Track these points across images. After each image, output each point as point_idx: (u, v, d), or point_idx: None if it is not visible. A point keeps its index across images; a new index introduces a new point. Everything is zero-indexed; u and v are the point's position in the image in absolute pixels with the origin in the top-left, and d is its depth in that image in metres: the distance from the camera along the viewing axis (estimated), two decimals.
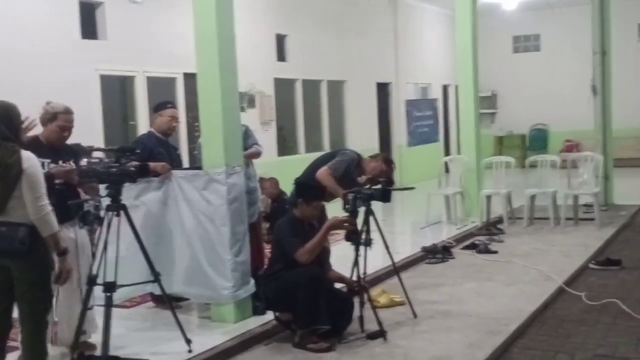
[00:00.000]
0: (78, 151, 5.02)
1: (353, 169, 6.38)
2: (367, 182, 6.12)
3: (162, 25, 9.85)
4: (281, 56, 12.72)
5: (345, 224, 5.50)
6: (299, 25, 12.97)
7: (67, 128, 4.94)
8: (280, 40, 12.68)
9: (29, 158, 4.04)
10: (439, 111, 18.33)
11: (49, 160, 4.85)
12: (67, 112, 4.92)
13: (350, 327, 5.45)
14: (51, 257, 4.17)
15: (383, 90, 15.88)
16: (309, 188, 5.63)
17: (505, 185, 10.34)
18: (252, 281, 5.95)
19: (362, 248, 5.86)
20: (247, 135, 6.48)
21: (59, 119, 4.90)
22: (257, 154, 6.59)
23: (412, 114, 16.77)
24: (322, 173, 6.18)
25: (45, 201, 4.02)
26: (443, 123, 18.61)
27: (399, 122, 16.29)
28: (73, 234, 4.93)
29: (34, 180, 4.00)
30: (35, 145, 4.74)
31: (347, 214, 5.61)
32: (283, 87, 12.80)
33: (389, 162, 6.63)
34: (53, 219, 4.05)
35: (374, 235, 6.15)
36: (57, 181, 4.67)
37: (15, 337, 5.30)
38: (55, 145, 4.92)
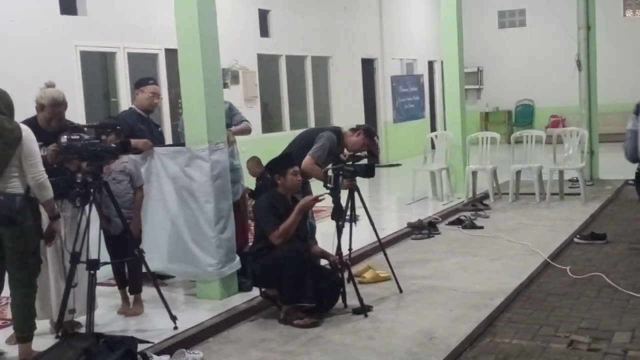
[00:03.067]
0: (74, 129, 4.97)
1: (335, 148, 6.25)
2: (350, 159, 6.01)
3: (143, 0, 9.70)
4: (264, 32, 12.59)
5: (318, 201, 5.45)
6: (281, 0, 12.82)
7: (53, 119, 4.91)
8: (263, 15, 12.54)
9: (26, 129, 4.40)
10: (425, 87, 18.28)
11: (40, 143, 4.80)
12: (54, 104, 4.88)
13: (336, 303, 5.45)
14: (39, 223, 4.47)
15: (368, 66, 15.79)
16: (276, 161, 5.57)
17: (490, 161, 10.33)
18: (237, 258, 5.93)
19: (347, 224, 5.86)
20: (233, 112, 6.41)
21: (46, 111, 4.89)
22: (248, 130, 6.53)
23: (398, 90, 16.71)
24: (307, 164, 5.93)
25: (42, 168, 4.34)
26: (429, 99, 18.57)
27: (384, 99, 16.23)
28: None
29: (32, 147, 4.33)
30: (30, 128, 4.78)
31: (328, 192, 5.56)
32: (267, 63, 12.69)
33: (370, 135, 6.31)
34: (49, 185, 4.36)
35: (360, 211, 6.15)
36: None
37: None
38: (48, 130, 4.90)
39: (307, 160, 5.95)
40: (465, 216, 8.86)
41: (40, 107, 4.89)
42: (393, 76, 16.59)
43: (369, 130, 6.40)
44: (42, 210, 4.50)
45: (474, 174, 10.35)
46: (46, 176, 4.34)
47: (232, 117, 6.37)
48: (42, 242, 4.68)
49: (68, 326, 4.90)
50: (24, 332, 4.50)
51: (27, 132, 4.34)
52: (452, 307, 5.40)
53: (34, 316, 4.55)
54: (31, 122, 4.91)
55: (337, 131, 6.36)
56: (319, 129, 6.76)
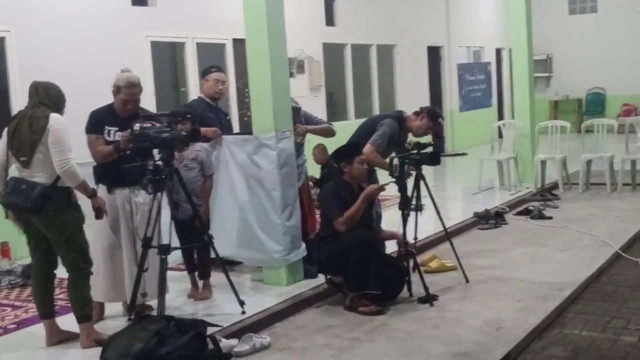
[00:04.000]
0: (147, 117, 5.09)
1: (396, 135, 6.15)
2: (415, 147, 5.95)
3: None
4: (330, 21, 12.61)
5: (383, 190, 5.46)
6: None
7: (129, 101, 5.02)
8: (329, 4, 12.55)
9: (57, 118, 4.47)
10: (492, 75, 18.00)
11: (116, 129, 4.96)
12: (129, 86, 4.99)
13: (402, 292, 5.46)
14: (72, 214, 4.55)
15: (434, 54, 15.63)
16: (342, 150, 5.60)
17: (560, 150, 10.12)
18: (303, 245, 5.99)
19: (413, 213, 5.84)
20: (306, 116, 6.42)
21: (121, 92, 5.00)
22: (331, 132, 6.48)
23: (465, 78, 16.50)
24: (367, 152, 5.85)
25: (69, 156, 4.40)
26: (496, 87, 18.27)
27: (450, 87, 16.05)
28: (127, 198, 5.03)
29: (59, 136, 4.41)
30: (107, 113, 4.93)
31: (393, 180, 5.55)
32: (332, 52, 12.71)
33: (434, 117, 6.16)
34: (77, 170, 4.43)
35: (425, 200, 6.12)
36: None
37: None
38: (124, 114, 5.01)
39: (367, 148, 5.88)
40: (533, 206, 8.70)
41: (116, 89, 5.02)
42: (459, 64, 16.38)
43: (433, 112, 6.25)
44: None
45: (543, 163, 10.16)
46: (72, 163, 4.40)
47: (310, 118, 6.43)
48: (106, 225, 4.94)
49: (140, 309, 5.06)
50: (80, 312, 4.66)
51: (56, 121, 4.44)
52: (520, 297, 5.33)
53: (85, 297, 4.69)
54: (107, 109, 5.09)
55: (399, 117, 6.26)
56: (381, 115, 6.68)
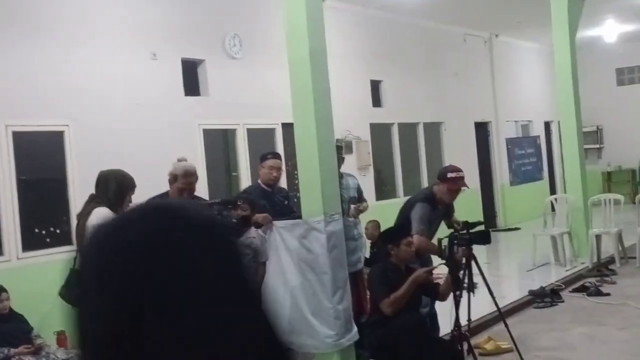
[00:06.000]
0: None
1: (432, 213, 6.06)
2: (464, 227, 5.90)
3: (260, 78, 10.16)
4: (376, 101, 12.81)
5: (431, 274, 5.44)
6: (393, 70, 13.05)
7: (185, 190, 5.15)
8: (375, 85, 12.79)
9: (98, 214, 4.48)
10: (542, 148, 17.91)
11: None
12: (186, 175, 5.14)
13: None
14: None
15: (482, 129, 15.69)
16: (389, 232, 5.62)
17: (615, 223, 9.93)
18: (355, 329, 5.94)
19: (465, 294, 5.77)
20: (360, 190, 6.79)
21: (178, 181, 5.14)
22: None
23: (514, 152, 16.46)
24: (418, 243, 5.75)
25: None
26: (547, 160, 18.15)
27: (500, 161, 16.02)
28: None
29: None
30: None
31: (443, 262, 5.52)
32: (379, 131, 12.86)
33: (442, 176, 6.08)
34: None
35: (477, 278, 6.04)
36: None
37: None
38: None
39: (415, 239, 5.76)
40: (590, 282, 8.51)
41: (173, 178, 5.16)
42: (508, 138, 16.37)
43: (439, 174, 6.25)
44: None
45: (598, 237, 9.97)
46: None
47: (359, 195, 6.73)
48: None
49: None
50: None
51: (96, 217, 4.43)
52: None
53: None
54: (163, 197, 5.22)
55: (429, 194, 6.20)
56: (412, 199, 6.47)
